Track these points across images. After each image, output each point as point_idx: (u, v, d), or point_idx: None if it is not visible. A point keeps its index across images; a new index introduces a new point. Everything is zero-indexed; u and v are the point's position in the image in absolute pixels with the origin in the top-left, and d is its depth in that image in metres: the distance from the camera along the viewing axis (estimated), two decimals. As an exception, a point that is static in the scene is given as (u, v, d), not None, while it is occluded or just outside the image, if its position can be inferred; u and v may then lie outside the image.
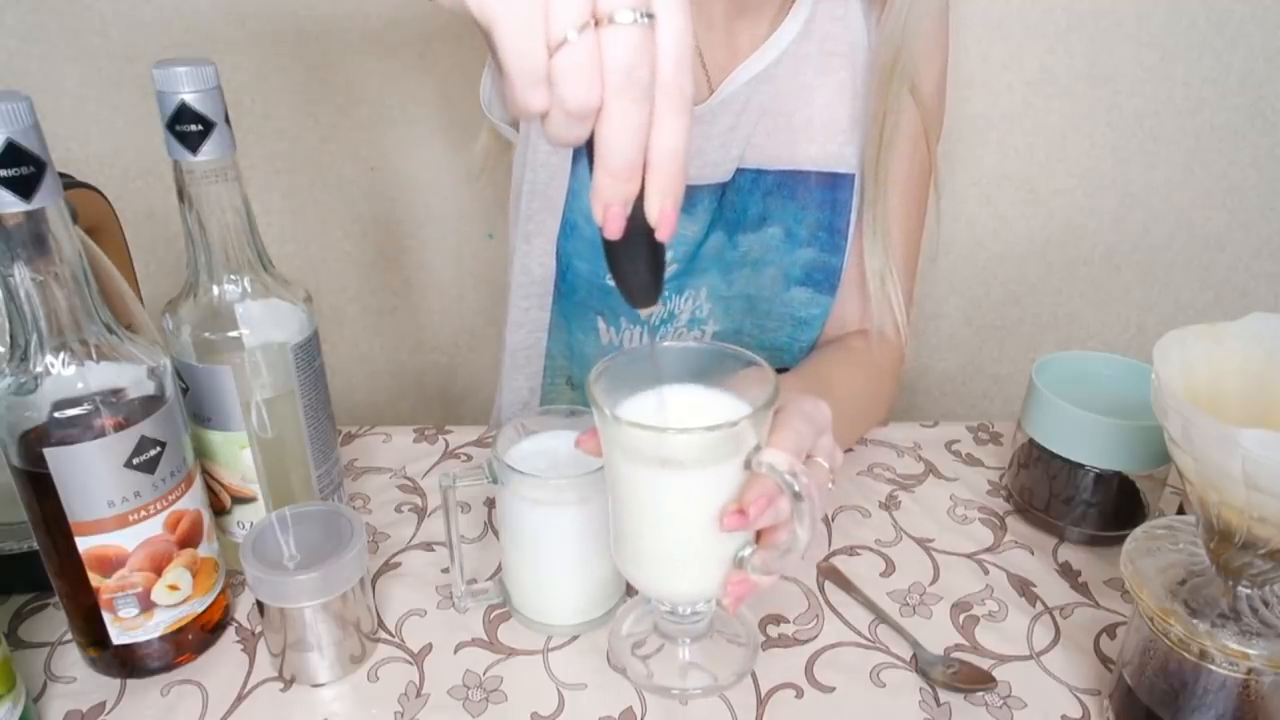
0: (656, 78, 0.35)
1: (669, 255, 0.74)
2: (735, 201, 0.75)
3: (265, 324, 0.55)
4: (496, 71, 0.35)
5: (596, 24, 0.33)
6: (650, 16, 0.34)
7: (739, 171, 0.74)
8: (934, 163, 0.77)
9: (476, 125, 0.81)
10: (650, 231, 0.38)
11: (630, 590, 0.59)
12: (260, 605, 0.51)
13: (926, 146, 0.75)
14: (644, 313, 0.42)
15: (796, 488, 0.43)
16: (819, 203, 0.74)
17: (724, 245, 0.76)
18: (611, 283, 0.75)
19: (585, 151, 0.37)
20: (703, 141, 0.71)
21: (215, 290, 0.54)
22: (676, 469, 0.45)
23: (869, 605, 0.58)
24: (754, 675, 0.53)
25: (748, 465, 0.44)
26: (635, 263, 0.39)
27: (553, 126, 0.35)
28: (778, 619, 0.57)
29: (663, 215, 0.37)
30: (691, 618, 0.53)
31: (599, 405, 0.45)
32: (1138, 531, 0.49)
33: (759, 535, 0.48)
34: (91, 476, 0.46)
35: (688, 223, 0.74)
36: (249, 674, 0.54)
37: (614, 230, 0.37)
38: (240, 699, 0.52)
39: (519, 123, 0.73)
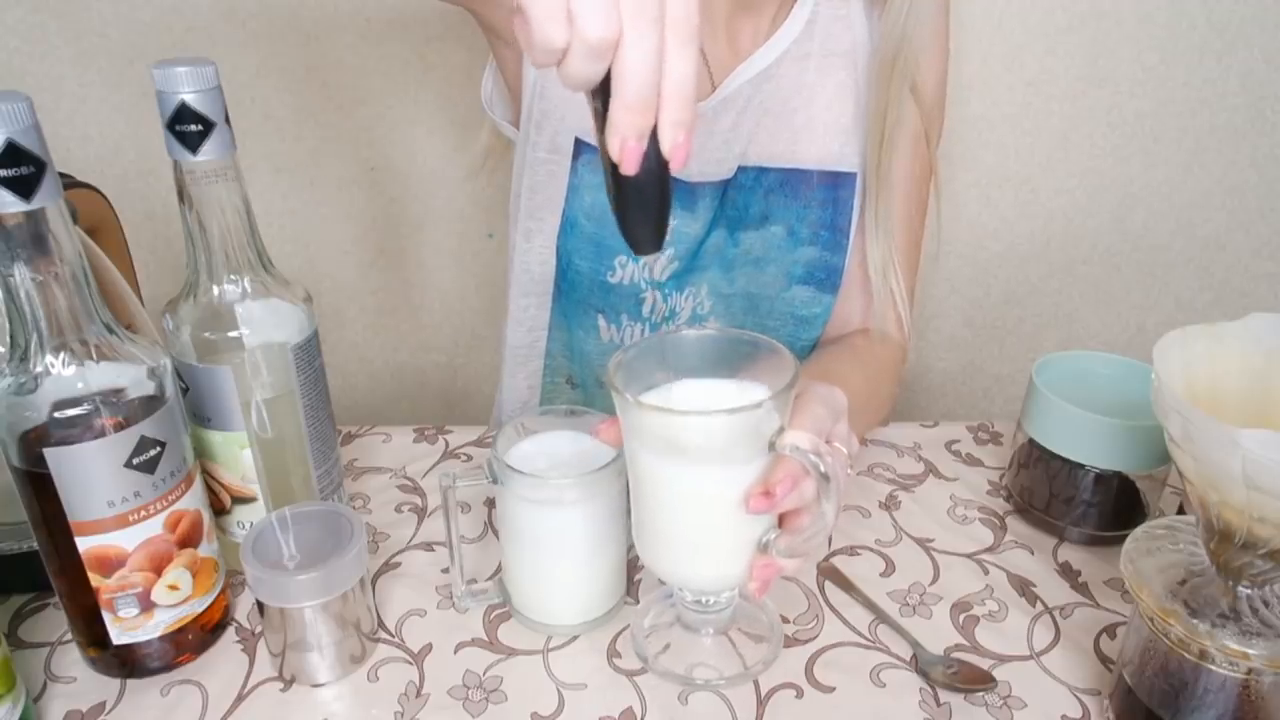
0: (665, 12, 0.36)
1: (669, 253, 0.74)
2: (737, 199, 0.75)
3: (265, 324, 0.55)
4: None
5: None
6: None
7: (741, 169, 0.74)
8: (934, 163, 0.77)
9: (476, 125, 0.81)
10: (660, 172, 0.39)
11: (631, 590, 0.59)
12: (260, 605, 0.51)
13: (927, 146, 0.75)
14: (646, 259, 0.43)
15: (823, 467, 0.43)
16: (821, 201, 0.74)
17: (725, 243, 0.76)
18: (617, 280, 0.76)
19: (598, 95, 0.38)
20: (705, 139, 0.71)
21: (215, 290, 0.54)
22: (700, 453, 0.45)
23: (869, 605, 0.58)
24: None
25: (771, 448, 0.45)
26: (644, 206, 0.40)
27: (571, 64, 0.36)
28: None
29: (676, 145, 0.38)
30: (714, 607, 0.53)
31: (621, 392, 0.45)
32: (1138, 531, 0.49)
33: (781, 521, 0.48)
34: (91, 476, 0.46)
35: (689, 220, 0.74)
36: (249, 674, 0.54)
37: (631, 165, 0.38)
38: (240, 699, 0.52)
39: (519, 120, 0.73)
